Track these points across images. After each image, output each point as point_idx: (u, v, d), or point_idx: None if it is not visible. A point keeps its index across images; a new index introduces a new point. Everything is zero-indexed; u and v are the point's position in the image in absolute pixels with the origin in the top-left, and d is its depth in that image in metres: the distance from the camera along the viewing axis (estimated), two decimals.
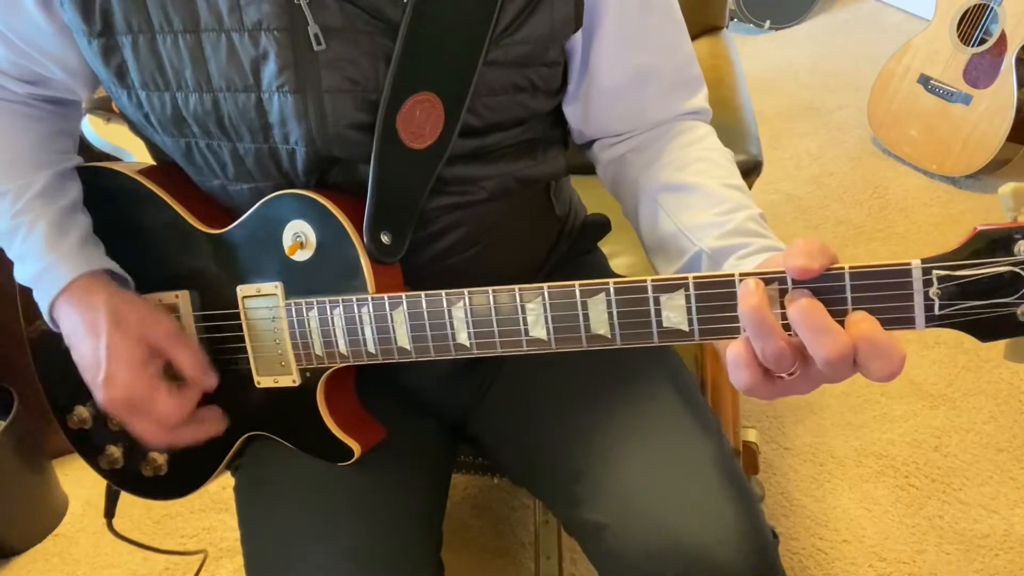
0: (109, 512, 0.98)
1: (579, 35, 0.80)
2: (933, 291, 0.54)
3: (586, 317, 0.65)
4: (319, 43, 0.70)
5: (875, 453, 1.63)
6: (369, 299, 0.73)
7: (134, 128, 0.85)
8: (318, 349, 0.77)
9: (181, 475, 0.90)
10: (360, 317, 0.73)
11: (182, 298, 0.82)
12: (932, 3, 2.29)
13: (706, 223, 0.75)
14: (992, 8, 2.14)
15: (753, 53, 3.15)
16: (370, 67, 0.72)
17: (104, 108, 1.59)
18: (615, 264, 1.15)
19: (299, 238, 0.75)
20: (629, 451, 0.80)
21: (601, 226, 1.02)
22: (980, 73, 2.20)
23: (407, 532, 0.84)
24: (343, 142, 0.74)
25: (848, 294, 0.56)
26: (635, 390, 0.85)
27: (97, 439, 0.91)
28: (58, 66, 0.81)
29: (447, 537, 0.90)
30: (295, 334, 0.77)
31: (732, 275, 0.59)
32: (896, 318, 0.56)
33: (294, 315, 0.76)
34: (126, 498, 0.95)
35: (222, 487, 1.59)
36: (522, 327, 0.67)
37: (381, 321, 0.73)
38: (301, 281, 0.76)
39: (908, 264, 0.55)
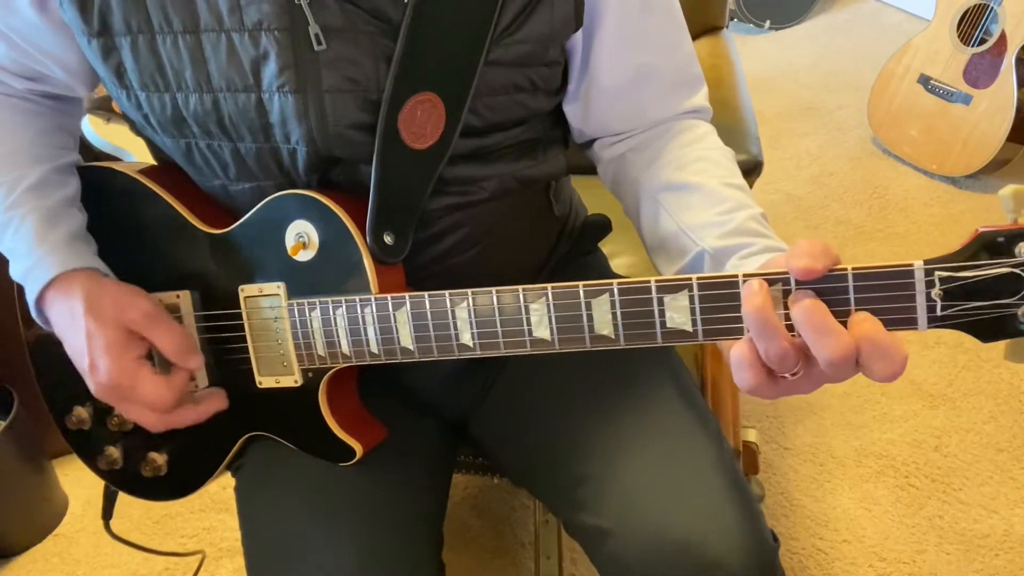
0: (107, 513, 0.98)
1: (579, 35, 0.80)
2: (935, 292, 0.55)
3: (590, 318, 0.65)
4: (320, 43, 0.70)
5: (875, 453, 1.64)
6: (372, 299, 0.73)
7: (134, 128, 0.85)
8: (320, 349, 0.76)
9: (181, 475, 0.90)
10: (363, 317, 0.73)
11: (183, 298, 0.82)
12: (932, 3, 2.29)
13: (707, 222, 0.75)
14: (992, 8, 2.14)
15: (753, 53, 3.15)
16: (371, 67, 0.72)
17: (104, 108, 1.59)
18: (615, 264, 1.15)
19: (302, 238, 0.75)
20: (631, 455, 0.80)
21: (601, 226, 1.02)
22: (980, 73, 2.20)
23: (408, 532, 0.84)
24: (344, 142, 0.74)
25: (851, 295, 0.56)
26: (636, 392, 0.85)
27: (96, 440, 0.90)
28: (58, 65, 0.81)
29: (447, 537, 0.90)
30: (297, 334, 0.77)
31: (736, 276, 0.59)
32: (898, 319, 0.56)
33: (296, 315, 0.76)
34: (125, 498, 0.95)
35: (222, 487, 1.58)
36: (526, 327, 0.67)
37: (384, 321, 0.73)
38: (303, 281, 0.76)
39: (911, 265, 0.55)
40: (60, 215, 0.82)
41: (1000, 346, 0.56)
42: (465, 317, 0.69)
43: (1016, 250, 0.53)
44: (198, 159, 0.79)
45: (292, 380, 0.79)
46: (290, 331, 0.77)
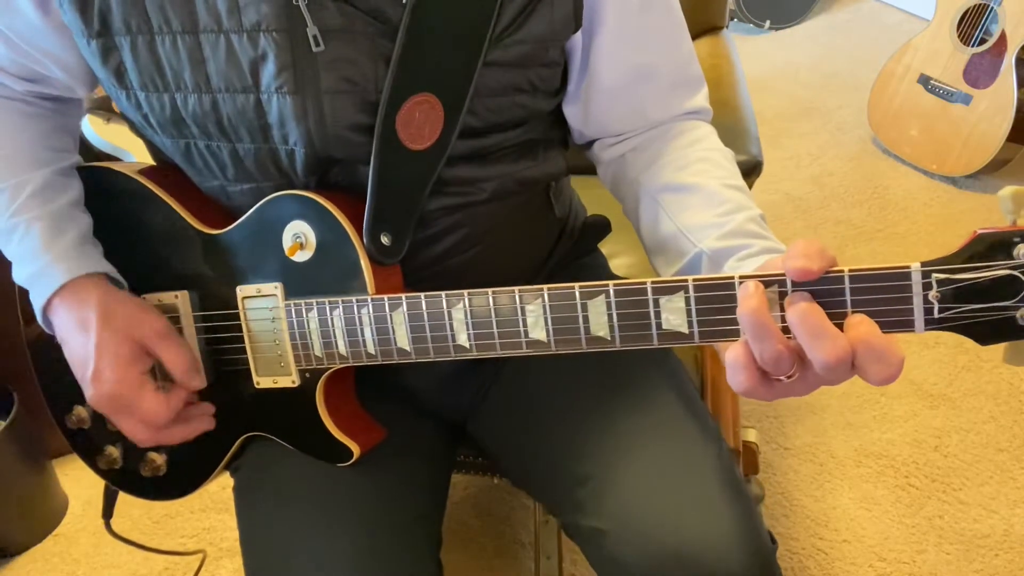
0: (107, 513, 0.98)
1: (579, 35, 0.80)
2: (932, 294, 0.54)
3: (586, 319, 0.65)
4: (318, 44, 0.70)
5: (875, 453, 1.63)
6: (369, 300, 0.73)
7: (134, 128, 0.85)
8: (317, 350, 0.76)
9: (180, 475, 0.90)
10: (360, 318, 0.73)
11: (181, 298, 0.82)
12: (932, 3, 2.28)
13: (706, 224, 0.75)
14: (992, 8, 2.14)
15: (753, 53, 3.15)
16: (369, 68, 0.72)
17: (104, 108, 1.59)
18: (615, 264, 1.15)
19: (299, 239, 0.75)
20: (630, 456, 0.80)
21: (601, 227, 1.02)
22: (980, 73, 2.20)
23: (406, 532, 0.84)
24: (342, 143, 0.74)
25: (848, 297, 0.56)
26: (635, 393, 0.85)
27: (96, 439, 0.91)
28: (57, 65, 0.81)
29: (447, 537, 0.90)
30: (295, 335, 0.77)
31: (732, 277, 0.59)
32: (896, 321, 0.56)
33: (294, 316, 0.76)
34: (125, 498, 0.95)
35: (222, 487, 1.58)
36: (522, 328, 0.67)
37: (381, 322, 0.73)
38: (301, 282, 0.76)
39: (907, 267, 0.55)
40: (67, 219, 0.82)
41: (1000, 347, 0.56)
42: (461, 318, 0.69)
43: (1015, 252, 0.52)
44: (197, 160, 0.79)
45: (290, 380, 0.79)
46: (287, 332, 0.77)
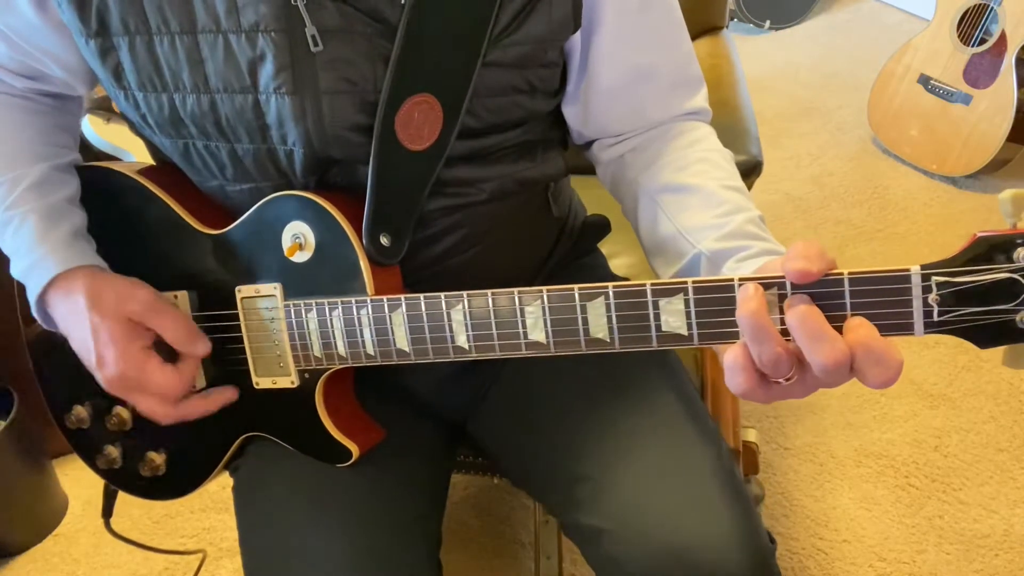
0: (107, 512, 0.98)
1: (578, 36, 0.80)
2: (932, 297, 0.54)
3: (585, 321, 0.64)
4: (316, 44, 0.70)
5: (875, 453, 1.63)
6: (368, 301, 0.73)
7: (133, 128, 0.85)
8: (317, 350, 0.76)
9: (179, 475, 0.90)
10: (359, 319, 0.73)
11: (181, 298, 0.82)
12: (932, 3, 2.28)
13: (705, 225, 0.75)
14: (992, 8, 2.13)
15: (753, 53, 3.15)
16: (368, 68, 0.72)
17: (104, 108, 1.58)
18: (615, 264, 1.14)
19: (298, 239, 0.75)
20: (629, 456, 0.80)
21: (601, 227, 1.02)
22: (980, 73, 2.20)
23: (405, 532, 0.84)
24: (341, 143, 0.74)
25: (847, 300, 0.56)
26: (635, 394, 0.85)
27: (95, 439, 0.91)
28: (57, 64, 0.81)
29: (447, 537, 0.90)
30: (294, 335, 0.77)
31: (731, 279, 0.59)
32: (895, 324, 0.56)
33: (293, 316, 0.76)
34: (125, 498, 0.95)
35: (222, 487, 1.58)
36: (521, 330, 0.67)
37: (380, 323, 0.72)
38: (300, 282, 0.76)
39: (907, 270, 0.55)
40: (61, 213, 0.82)
41: (999, 350, 0.56)
42: (461, 319, 0.69)
43: (1015, 255, 0.52)
44: (196, 160, 0.79)
45: (289, 381, 0.79)
46: (287, 332, 0.77)
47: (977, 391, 1.74)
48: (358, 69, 0.72)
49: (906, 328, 0.55)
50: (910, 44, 2.36)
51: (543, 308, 0.66)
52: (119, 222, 0.85)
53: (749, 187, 1.08)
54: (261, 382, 0.81)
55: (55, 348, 0.81)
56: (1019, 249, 0.52)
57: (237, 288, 0.79)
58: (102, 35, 0.74)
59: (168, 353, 0.79)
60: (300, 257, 0.75)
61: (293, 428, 0.82)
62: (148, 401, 0.79)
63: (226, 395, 0.82)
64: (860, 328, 0.55)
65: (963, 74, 2.23)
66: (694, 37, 1.28)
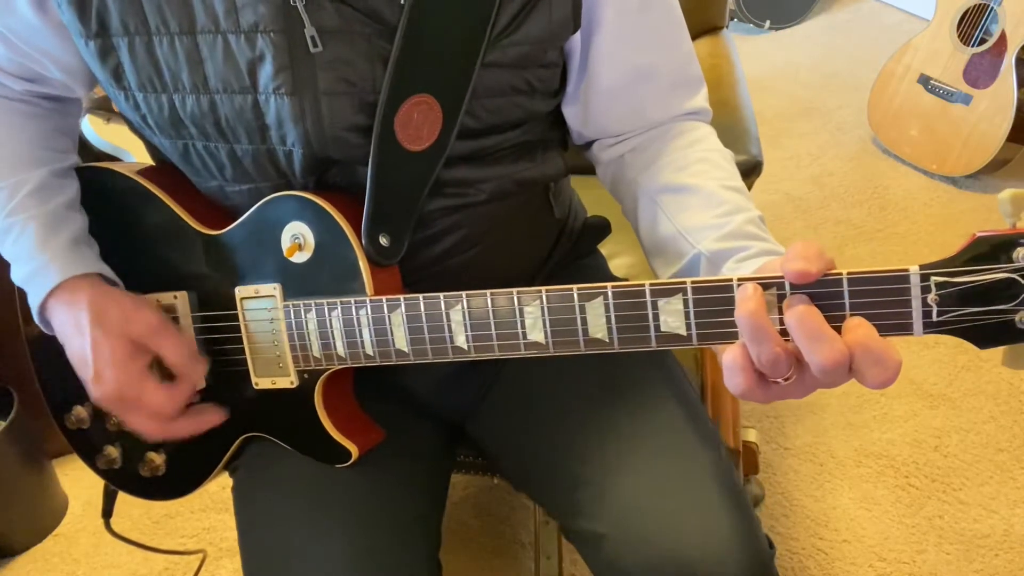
0: (107, 512, 0.98)
1: (577, 36, 0.80)
2: (931, 297, 0.54)
3: (584, 321, 0.64)
4: (316, 45, 0.70)
5: (875, 453, 1.63)
6: (367, 301, 0.73)
7: (133, 128, 0.85)
8: (316, 351, 0.76)
9: (179, 476, 0.90)
10: (358, 319, 0.73)
11: (180, 299, 0.82)
12: (932, 3, 2.28)
13: (705, 225, 0.75)
14: (992, 8, 2.13)
15: (753, 53, 3.15)
16: (367, 69, 0.72)
17: (104, 108, 1.59)
18: (615, 265, 1.15)
19: (297, 240, 0.75)
20: (629, 460, 0.80)
21: (601, 228, 1.02)
22: (980, 73, 2.20)
23: (405, 533, 0.83)
24: (340, 144, 0.74)
25: (846, 300, 0.56)
26: (634, 397, 0.85)
27: (95, 439, 0.91)
28: (56, 66, 0.81)
29: (447, 537, 0.90)
30: (293, 336, 0.77)
31: (730, 280, 0.59)
32: (894, 324, 0.56)
33: (292, 317, 0.76)
34: (125, 498, 0.95)
35: (222, 487, 1.59)
36: (520, 330, 0.67)
37: (379, 323, 0.72)
38: (299, 283, 0.76)
39: (906, 270, 0.55)
40: (62, 219, 0.82)
41: (999, 350, 0.56)
42: (460, 319, 0.69)
43: (1014, 255, 0.52)
44: (195, 160, 0.79)
45: (288, 381, 0.79)
46: (286, 332, 0.77)
47: (977, 391, 1.74)
48: (357, 70, 0.72)
49: (905, 328, 0.55)
50: (910, 44, 2.36)
51: (542, 308, 0.66)
52: (118, 223, 0.85)
53: (749, 187, 1.08)
54: (260, 382, 0.81)
55: (55, 348, 0.81)
56: (1019, 249, 0.52)
57: (236, 288, 0.79)
58: (102, 36, 0.74)
59: (164, 373, 0.79)
60: (299, 257, 0.75)
61: (292, 429, 0.82)
62: (140, 420, 0.79)
63: (215, 417, 0.82)
64: (859, 328, 0.55)
65: (963, 74, 2.23)
66: (694, 37, 1.28)
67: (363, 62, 0.71)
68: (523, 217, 0.89)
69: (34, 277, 0.79)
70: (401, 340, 0.72)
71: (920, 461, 1.61)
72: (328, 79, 0.71)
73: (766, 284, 0.58)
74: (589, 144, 0.91)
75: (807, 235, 2.22)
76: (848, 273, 0.56)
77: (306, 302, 0.75)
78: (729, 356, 0.58)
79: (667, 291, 0.61)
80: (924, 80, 2.32)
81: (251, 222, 0.78)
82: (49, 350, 0.85)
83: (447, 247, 0.83)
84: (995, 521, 1.49)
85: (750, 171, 1.20)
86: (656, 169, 0.82)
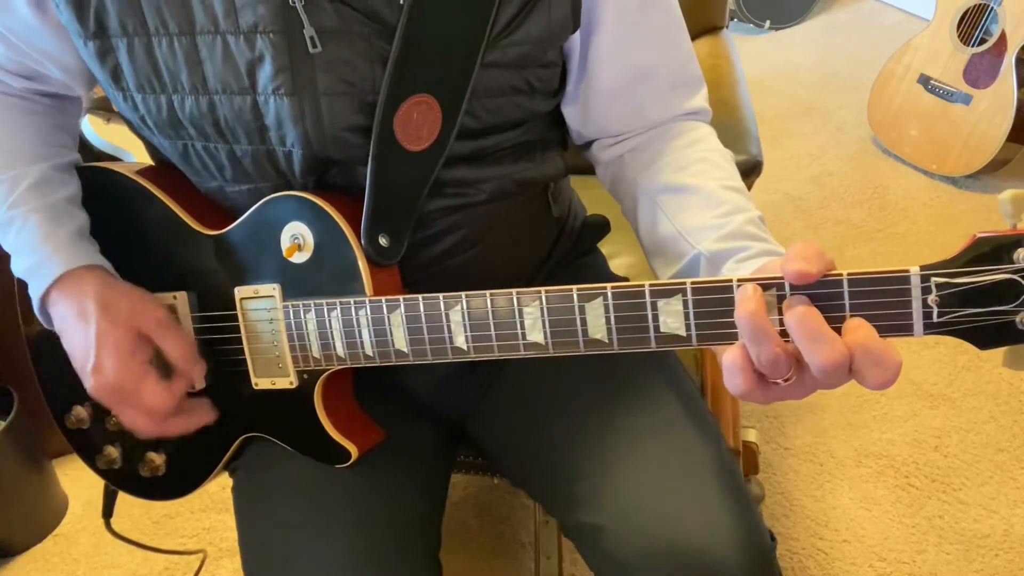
0: (107, 512, 0.98)
1: (577, 36, 0.80)
2: (932, 298, 0.54)
3: (583, 322, 0.64)
4: (315, 45, 0.70)
5: (875, 453, 1.63)
6: (367, 302, 0.73)
7: (133, 128, 0.85)
8: (315, 351, 0.76)
9: (179, 476, 0.90)
10: (357, 320, 0.73)
11: (180, 299, 0.82)
12: (932, 3, 2.28)
13: (705, 225, 0.75)
14: (992, 8, 2.13)
15: (753, 53, 3.15)
16: (367, 69, 0.72)
17: (104, 108, 1.58)
18: (615, 264, 1.14)
19: (297, 240, 0.75)
20: (628, 455, 0.80)
21: (601, 227, 1.02)
22: (980, 73, 2.20)
23: (405, 533, 0.83)
24: (340, 144, 0.74)
25: (846, 300, 0.56)
26: (635, 393, 0.85)
27: (95, 439, 0.91)
28: (55, 65, 0.81)
29: (447, 537, 0.90)
30: (292, 336, 0.77)
31: (730, 280, 0.59)
32: (894, 325, 0.56)
33: (291, 317, 0.76)
34: (125, 498, 0.95)
35: (222, 487, 1.58)
36: (519, 331, 0.67)
37: (378, 324, 0.72)
38: (299, 283, 0.76)
39: (907, 271, 0.54)
40: (64, 213, 0.82)
41: (999, 351, 0.56)
42: (459, 320, 0.69)
43: (1015, 256, 0.52)
44: (195, 160, 0.79)
45: (288, 382, 0.79)
46: (285, 333, 0.77)
47: (977, 391, 1.74)
48: (357, 70, 0.72)
49: (905, 329, 0.55)
50: (910, 44, 2.36)
51: (542, 309, 0.66)
52: (118, 223, 0.85)
53: (749, 187, 1.08)
54: (260, 383, 0.81)
55: (55, 348, 0.81)
56: (1019, 250, 0.52)
57: (236, 289, 0.79)
58: (100, 36, 0.74)
59: (162, 369, 0.79)
60: (299, 258, 0.75)
61: (292, 429, 0.82)
62: (134, 414, 0.79)
63: (205, 416, 0.82)
64: (859, 329, 0.55)
65: (963, 74, 2.23)
66: (694, 37, 1.28)
67: (362, 62, 0.71)
68: (523, 217, 0.89)
69: (37, 269, 0.79)
70: (400, 340, 0.72)
71: (920, 461, 1.61)
72: (327, 79, 0.71)
73: (766, 285, 0.58)
74: (589, 144, 0.91)
75: (807, 235, 2.22)
76: (848, 274, 0.56)
77: (305, 302, 0.75)
78: (729, 357, 0.58)
79: (667, 292, 0.61)
80: (924, 80, 2.32)
81: (250, 222, 0.78)
82: (49, 350, 0.85)
83: (447, 247, 0.83)
84: (995, 521, 1.49)
85: (750, 171, 1.20)
86: (656, 169, 0.82)
